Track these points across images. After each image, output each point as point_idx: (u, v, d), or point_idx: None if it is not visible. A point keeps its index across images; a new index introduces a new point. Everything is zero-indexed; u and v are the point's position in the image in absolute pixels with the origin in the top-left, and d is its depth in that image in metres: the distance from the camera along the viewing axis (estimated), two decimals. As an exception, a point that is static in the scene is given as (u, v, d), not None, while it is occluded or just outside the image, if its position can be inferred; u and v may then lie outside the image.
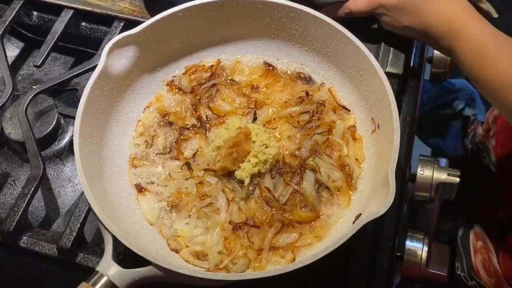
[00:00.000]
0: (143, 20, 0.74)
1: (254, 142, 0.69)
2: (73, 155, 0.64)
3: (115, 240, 0.58)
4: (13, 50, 0.92)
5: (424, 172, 0.80)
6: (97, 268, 0.57)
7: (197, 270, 0.60)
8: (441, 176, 0.79)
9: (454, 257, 0.84)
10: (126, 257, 0.60)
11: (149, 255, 0.56)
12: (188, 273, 0.55)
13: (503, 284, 0.75)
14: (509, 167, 0.75)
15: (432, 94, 1.17)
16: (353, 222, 0.61)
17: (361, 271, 0.70)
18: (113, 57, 0.69)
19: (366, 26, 0.83)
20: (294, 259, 0.63)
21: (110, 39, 0.70)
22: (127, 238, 0.58)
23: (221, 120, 0.74)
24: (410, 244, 0.76)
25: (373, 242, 0.71)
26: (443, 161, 0.97)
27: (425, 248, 0.76)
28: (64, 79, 0.79)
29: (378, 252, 0.71)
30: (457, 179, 0.79)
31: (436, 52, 0.89)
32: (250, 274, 0.59)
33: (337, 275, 0.68)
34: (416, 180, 0.79)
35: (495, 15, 0.88)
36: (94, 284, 0.55)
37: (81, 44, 0.90)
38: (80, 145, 0.63)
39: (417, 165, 0.80)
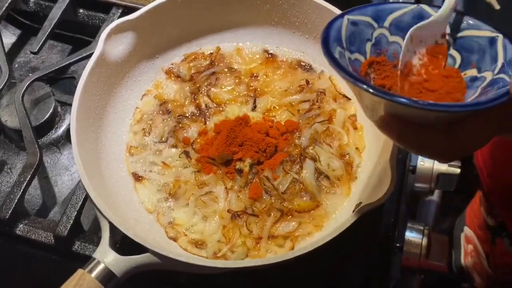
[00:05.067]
0: (142, 7, 0.73)
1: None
2: (70, 143, 0.63)
3: (112, 227, 0.57)
4: (9, 37, 0.90)
5: (425, 163, 0.79)
6: (94, 255, 0.56)
7: (195, 258, 0.60)
8: (442, 167, 0.79)
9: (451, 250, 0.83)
10: (124, 245, 0.60)
11: (147, 242, 0.56)
12: (186, 260, 0.54)
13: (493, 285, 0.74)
14: (492, 171, 0.73)
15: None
16: (353, 211, 0.60)
17: (360, 261, 0.69)
18: (110, 43, 0.68)
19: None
20: (293, 248, 0.63)
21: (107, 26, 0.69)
22: (124, 225, 0.57)
23: (221, 109, 0.73)
24: (409, 235, 0.75)
25: (373, 232, 0.70)
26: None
27: (425, 239, 0.75)
28: (61, 66, 0.78)
29: (378, 243, 0.71)
30: (458, 170, 0.78)
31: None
32: (249, 262, 0.58)
33: (336, 265, 0.68)
34: (416, 171, 0.79)
35: (497, 7, 0.87)
36: (91, 271, 0.55)
37: (79, 32, 0.89)
38: (77, 131, 0.63)
39: (418, 157, 0.80)
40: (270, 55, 0.76)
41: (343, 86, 0.73)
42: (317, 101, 0.72)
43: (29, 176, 0.69)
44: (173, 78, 0.76)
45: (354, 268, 0.69)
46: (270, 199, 0.66)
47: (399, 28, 0.50)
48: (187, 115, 0.73)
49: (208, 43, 0.77)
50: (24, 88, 0.76)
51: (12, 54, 0.88)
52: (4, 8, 0.84)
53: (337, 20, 0.49)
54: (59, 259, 0.69)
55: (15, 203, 0.68)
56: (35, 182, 0.76)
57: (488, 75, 0.46)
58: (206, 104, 0.73)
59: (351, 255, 0.69)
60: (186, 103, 0.74)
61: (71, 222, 0.66)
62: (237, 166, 0.67)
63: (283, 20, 0.74)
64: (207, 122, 0.72)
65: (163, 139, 0.72)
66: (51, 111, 0.79)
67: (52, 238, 0.67)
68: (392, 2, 0.52)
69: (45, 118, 0.79)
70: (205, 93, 0.74)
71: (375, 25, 0.50)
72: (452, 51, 0.50)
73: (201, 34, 0.77)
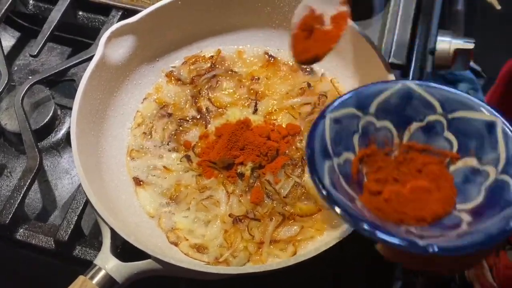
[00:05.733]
0: (142, 9, 0.72)
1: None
2: (70, 146, 0.63)
3: (113, 233, 0.57)
4: (9, 40, 0.90)
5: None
6: (95, 262, 0.56)
7: (197, 264, 0.59)
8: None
9: None
10: (125, 250, 0.59)
11: (148, 248, 0.55)
12: (188, 266, 0.54)
13: None
14: None
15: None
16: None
17: (363, 263, 0.69)
18: (111, 46, 0.68)
19: (370, 17, 0.82)
20: (295, 252, 0.62)
21: (107, 29, 0.69)
22: (125, 230, 0.57)
23: (222, 112, 0.73)
24: (411, 237, 0.75)
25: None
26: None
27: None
28: (60, 69, 0.77)
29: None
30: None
31: (439, 44, 0.88)
32: (251, 268, 0.58)
33: (339, 268, 0.68)
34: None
35: (498, 7, 0.87)
36: (92, 277, 0.54)
37: (79, 34, 0.88)
38: (77, 136, 0.62)
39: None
40: (271, 58, 0.76)
41: (345, 88, 0.73)
42: (318, 104, 0.72)
43: (29, 180, 0.69)
44: (173, 81, 0.76)
45: (356, 270, 0.69)
46: (272, 203, 0.65)
47: (386, 111, 0.47)
48: (188, 118, 0.73)
49: (208, 45, 0.77)
50: (24, 91, 0.75)
51: (11, 57, 0.88)
52: (3, 11, 0.84)
53: (318, 125, 0.45)
54: (59, 263, 0.69)
55: (15, 207, 0.67)
56: (35, 186, 0.75)
57: (491, 172, 0.42)
58: (207, 108, 0.73)
59: (353, 257, 0.69)
60: (187, 107, 0.74)
61: (72, 227, 0.66)
62: (239, 170, 0.67)
63: (284, 23, 0.74)
64: (208, 126, 0.72)
65: (164, 142, 0.71)
66: (51, 114, 0.79)
67: (52, 243, 0.67)
68: (374, 84, 0.48)
69: (45, 121, 0.78)
70: (206, 96, 0.74)
71: (360, 114, 0.47)
72: (448, 134, 0.46)
73: (202, 37, 0.76)
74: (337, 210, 0.41)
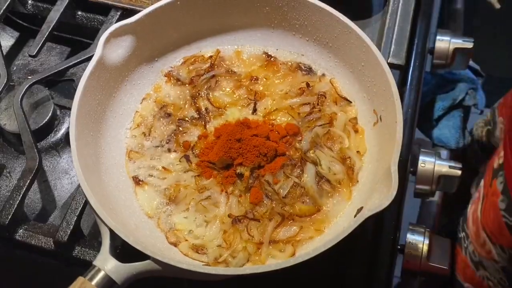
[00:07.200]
0: (141, 9, 0.72)
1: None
2: (70, 146, 0.63)
3: (112, 234, 0.57)
4: (8, 39, 0.90)
5: (425, 165, 0.79)
6: (94, 262, 0.56)
7: (196, 264, 0.60)
8: (442, 168, 0.78)
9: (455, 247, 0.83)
10: (124, 251, 0.59)
11: (147, 249, 0.55)
12: (187, 267, 0.54)
13: (480, 231, 0.73)
14: None
15: (432, 86, 1.16)
16: (355, 216, 0.60)
17: (362, 264, 0.69)
18: (109, 46, 0.68)
19: (369, 16, 0.82)
20: (294, 253, 0.62)
21: (106, 29, 0.68)
22: (124, 231, 0.57)
23: (221, 112, 0.73)
24: (411, 237, 0.75)
25: (374, 235, 0.70)
26: (444, 154, 0.97)
27: (426, 241, 0.75)
28: (60, 69, 0.77)
29: (379, 245, 0.70)
30: (459, 172, 0.78)
31: (438, 43, 0.88)
32: (250, 269, 0.58)
33: (338, 268, 0.68)
34: (417, 173, 0.79)
35: (498, 6, 0.87)
36: (91, 278, 0.55)
37: (77, 34, 0.88)
38: (76, 136, 0.62)
39: (418, 158, 0.80)
40: (270, 58, 0.76)
41: (344, 89, 0.73)
42: (317, 104, 0.72)
43: (28, 181, 0.69)
44: (172, 82, 0.75)
45: (355, 270, 0.69)
46: (271, 203, 0.65)
47: None
48: (187, 118, 0.73)
49: (207, 46, 0.77)
50: (23, 91, 0.75)
51: (10, 57, 0.88)
52: (2, 11, 0.84)
53: None
54: (59, 264, 0.69)
55: (14, 208, 0.68)
56: (35, 186, 0.75)
57: None
58: (206, 108, 0.73)
59: (353, 257, 0.69)
60: (186, 107, 0.74)
61: (71, 228, 0.66)
62: (238, 171, 0.67)
63: (283, 23, 0.74)
64: (207, 126, 0.72)
65: (163, 143, 0.71)
66: (50, 114, 0.79)
67: (52, 243, 0.67)
68: None
69: (44, 121, 0.78)
70: (205, 97, 0.74)
71: None
72: None
73: (201, 37, 0.76)
74: None
